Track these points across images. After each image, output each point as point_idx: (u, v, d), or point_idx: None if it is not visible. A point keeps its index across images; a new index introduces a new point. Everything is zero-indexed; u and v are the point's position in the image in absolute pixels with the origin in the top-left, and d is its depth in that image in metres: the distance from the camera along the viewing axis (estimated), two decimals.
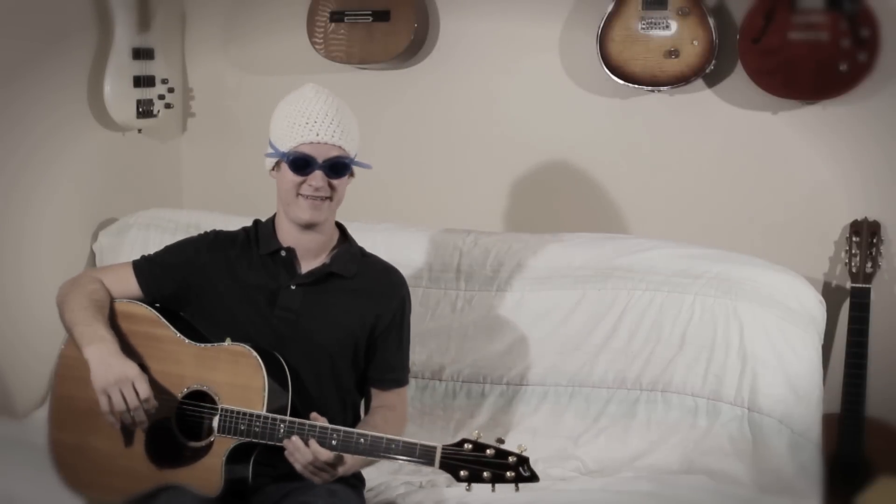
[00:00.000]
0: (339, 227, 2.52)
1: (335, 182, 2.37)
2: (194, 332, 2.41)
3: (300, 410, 2.30)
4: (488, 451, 2.12)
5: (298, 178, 2.36)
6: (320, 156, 2.35)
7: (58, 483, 2.44)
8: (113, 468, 2.38)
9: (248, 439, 2.25)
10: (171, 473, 2.32)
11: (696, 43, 3.23)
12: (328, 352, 2.41)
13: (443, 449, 2.14)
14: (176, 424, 2.35)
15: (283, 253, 2.44)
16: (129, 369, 2.27)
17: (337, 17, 3.55)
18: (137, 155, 3.75)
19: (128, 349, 2.38)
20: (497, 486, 2.12)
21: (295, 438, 2.21)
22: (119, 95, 3.49)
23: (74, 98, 3.47)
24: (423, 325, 3.08)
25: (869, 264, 3.17)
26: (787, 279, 2.94)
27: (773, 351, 2.84)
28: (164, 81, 3.65)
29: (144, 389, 2.26)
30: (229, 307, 2.42)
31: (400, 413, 2.50)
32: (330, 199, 2.37)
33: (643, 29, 3.27)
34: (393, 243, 3.16)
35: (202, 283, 2.46)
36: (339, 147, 2.36)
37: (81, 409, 2.38)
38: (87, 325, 2.35)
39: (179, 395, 2.35)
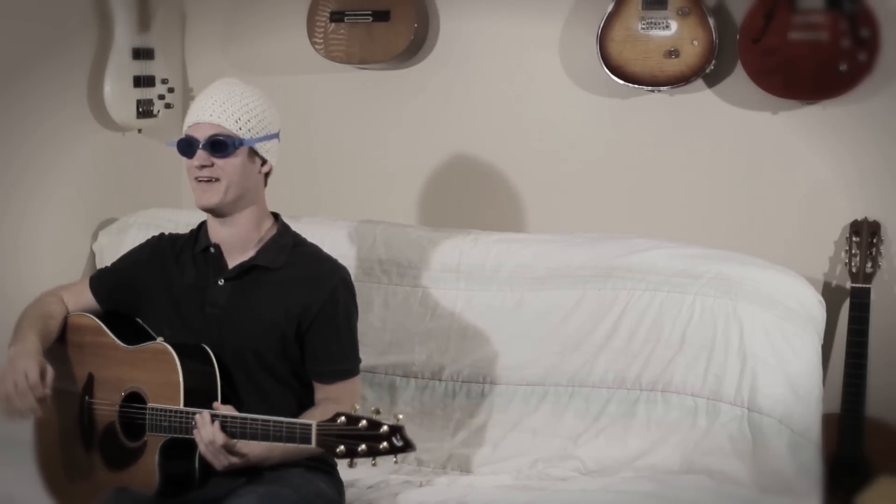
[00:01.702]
0: (275, 216, 2.53)
1: (219, 161, 2.37)
2: (134, 336, 2.45)
3: (237, 403, 2.32)
4: (361, 424, 2.05)
5: (188, 162, 2.40)
6: (201, 135, 2.38)
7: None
8: (80, 477, 2.45)
9: (171, 435, 2.28)
10: (119, 475, 2.37)
11: (696, 43, 3.23)
12: (253, 345, 2.41)
13: (317, 425, 2.10)
14: (120, 427, 2.39)
15: (211, 249, 2.47)
16: (25, 361, 2.31)
17: (337, 17, 3.55)
18: (137, 155, 3.75)
19: (78, 359, 2.48)
20: (378, 459, 2.04)
21: (205, 413, 2.23)
22: (119, 95, 3.50)
23: (74, 98, 3.47)
24: (423, 325, 3.08)
25: (869, 264, 3.17)
26: (786, 279, 2.94)
27: (773, 351, 2.84)
28: (164, 81, 3.65)
29: (33, 376, 2.29)
30: (166, 307, 2.47)
31: (345, 406, 2.38)
32: (218, 180, 2.38)
33: (643, 29, 3.27)
34: (392, 243, 3.17)
35: (144, 285, 2.51)
36: (218, 125, 2.37)
37: (55, 423, 2.49)
38: (21, 331, 2.44)
39: (119, 398, 2.39)
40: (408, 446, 2.04)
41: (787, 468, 2.74)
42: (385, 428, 2.03)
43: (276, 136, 2.47)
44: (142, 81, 3.56)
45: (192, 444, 2.28)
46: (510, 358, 3.01)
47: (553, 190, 3.60)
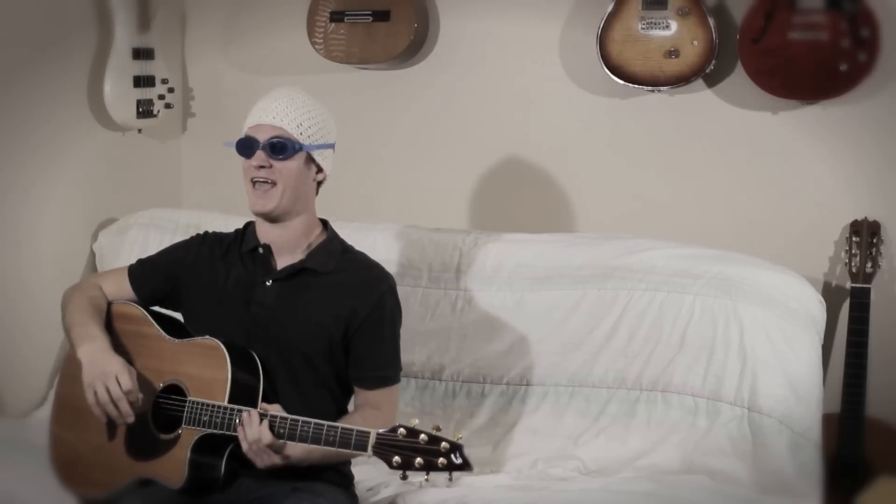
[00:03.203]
0: (324, 223, 2.54)
1: (277, 164, 2.38)
2: (179, 330, 2.46)
3: (277, 403, 2.30)
4: (421, 438, 2.06)
5: (245, 162, 2.40)
6: (261, 137, 2.39)
7: (57, 482, 2.48)
8: (97, 463, 2.43)
9: (209, 430, 2.27)
10: (144, 466, 2.36)
11: (696, 43, 3.23)
12: (300, 347, 2.41)
13: (377, 435, 2.10)
14: (153, 417, 2.38)
15: (260, 250, 2.47)
16: (114, 364, 2.33)
17: (337, 17, 3.55)
18: (137, 155, 3.76)
19: (119, 347, 2.45)
20: (432, 474, 2.06)
21: (254, 412, 2.22)
22: (119, 95, 3.50)
23: (74, 98, 3.47)
24: (423, 325, 3.08)
25: (869, 264, 3.17)
26: (787, 279, 2.94)
27: (773, 351, 2.84)
28: (164, 81, 3.65)
29: (127, 382, 2.31)
30: (211, 304, 2.46)
31: (386, 413, 2.45)
32: (275, 183, 2.38)
33: (643, 29, 3.27)
34: (392, 243, 3.17)
35: (188, 282, 2.51)
36: (279, 128, 2.38)
37: (77, 407, 2.45)
38: (83, 325, 2.43)
39: (157, 389, 2.39)
40: (466, 465, 2.05)
41: (787, 468, 2.75)
42: (445, 444, 2.04)
43: (333, 146, 2.49)
44: (142, 81, 3.56)
45: (225, 443, 2.28)
46: (510, 358, 3.01)
47: (553, 190, 3.60)
